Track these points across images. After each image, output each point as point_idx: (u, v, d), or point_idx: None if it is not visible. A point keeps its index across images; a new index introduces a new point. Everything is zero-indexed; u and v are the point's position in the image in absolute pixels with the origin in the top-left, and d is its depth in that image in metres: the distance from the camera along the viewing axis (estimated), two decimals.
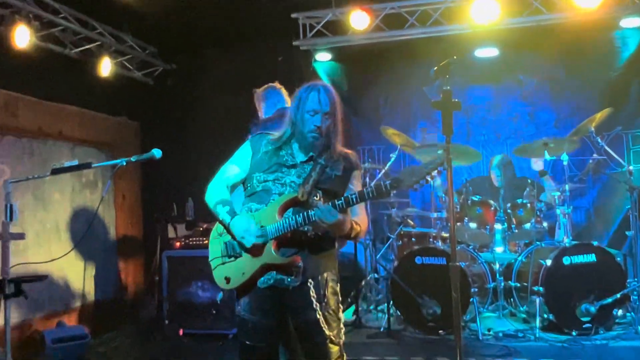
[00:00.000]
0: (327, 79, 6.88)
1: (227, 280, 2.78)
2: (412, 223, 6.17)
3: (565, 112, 6.55)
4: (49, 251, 5.55)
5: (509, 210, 5.35)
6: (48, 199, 5.74)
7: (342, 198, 2.59)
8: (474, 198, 5.45)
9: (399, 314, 5.23)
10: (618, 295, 4.73)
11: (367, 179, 5.93)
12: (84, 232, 5.73)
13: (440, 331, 4.97)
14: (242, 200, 2.88)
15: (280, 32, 6.49)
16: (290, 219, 2.64)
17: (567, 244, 4.95)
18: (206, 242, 3.14)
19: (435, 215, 5.58)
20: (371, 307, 5.98)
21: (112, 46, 6.39)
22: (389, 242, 6.23)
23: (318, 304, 2.70)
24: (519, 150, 5.43)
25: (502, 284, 5.31)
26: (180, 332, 5.48)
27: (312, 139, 2.73)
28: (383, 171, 5.72)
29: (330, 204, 2.58)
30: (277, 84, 4.18)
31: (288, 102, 4.11)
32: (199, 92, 7.05)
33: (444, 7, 6.12)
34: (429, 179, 2.54)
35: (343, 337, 2.80)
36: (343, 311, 2.86)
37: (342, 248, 6.29)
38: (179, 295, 5.57)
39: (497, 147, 6.64)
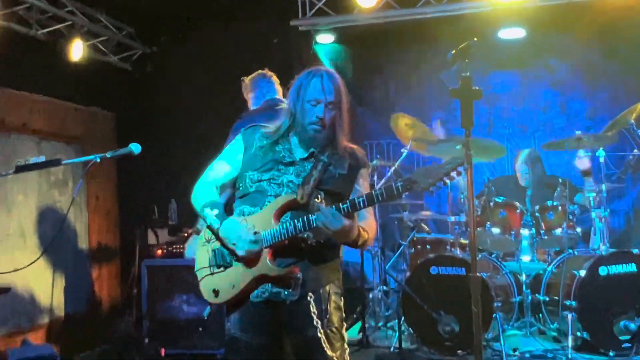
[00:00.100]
0: (329, 64, 6.88)
1: (216, 293, 2.78)
2: (426, 228, 6.17)
3: (601, 101, 6.55)
4: (12, 260, 5.55)
5: (537, 214, 5.35)
6: (11, 200, 5.74)
7: (348, 201, 2.59)
8: (497, 199, 5.45)
9: (412, 331, 5.23)
10: None
11: (375, 178, 5.94)
12: (52, 238, 5.74)
13: (458, 351, 4.96)
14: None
15: (276, 10, 6.50)
16: (287, 224, 2.63)
17: (603, 252, 4.94)
18: None
19: (452, 219, 5.57)
20: (380, 324, 5.98)
21: (84, 26, 6.38)
22: (400, 250, 6.23)
23: (319, 321, 2.71)
24: (548, 145, 5.42)
25: (529, 297, 5.31)
26: (162, 352, 5.48)
27: (314, 132, 2.73)
28: (393, 169, 5.71)
29: (334, 207, 2.58)
30: (267, 72, 4.18)
31: (280, 92, 4.11)
32: (183, 79, 7.04)
33: None
34: (447, 181, 2.54)
35: (348, 359, 2.81)
36: (347, 329, 2.87)
37: (346, 256, 6.30)
38: (161, 311, 5.57)
39: (524, 141, 6.65)
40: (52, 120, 6.27)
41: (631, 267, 4.88)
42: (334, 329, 2.75)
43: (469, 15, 6.24)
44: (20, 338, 5.44)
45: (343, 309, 2.85)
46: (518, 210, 5.40)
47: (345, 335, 2.84)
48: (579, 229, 5.34)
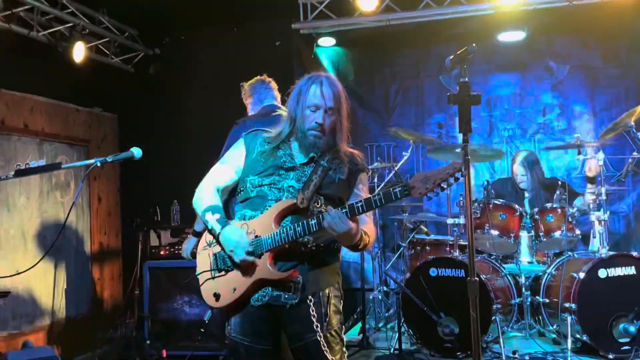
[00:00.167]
0: (330, 67, 6.91)
1: (216, 297, 2.80)
2: (426, 230, 6.17)
3: (601, 104, 6.55)
4: (14, 263, 5.58)
5: (536, 216, 5.35)
6: (12, 203, 5.76)
7: (347, 206, 2.60)
8: (497, 202, 5.45)
9: (412, 333, 5.24)
10: None
11: (376, 180, 5.95)
12: (54, 241, 5.74)
13: (458, 353, 4.96)
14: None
15: (278, 14, 6.50)
16: (288, 228, 2.65)
17: (603, 255, 4.94)
18: (193, 251, 3.16)
19: (452, 221, 5.58)
20: (380, 325, 5.98)
21: (86, 28, 6.37)
22: (399, 252, 6.23)
23: (319, 324, 2.72)
24: (548, 147, 5.42)
25: (529, 299, 5.31)
26: (164, 353, 5.49)
27: (314, 137, 2.74)
28: (394, 171, 5.73)
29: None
30: (265, 77, 4.17)
31: (278, 97, 4.12)
32: (185, 82, 7.06)
33: None
34: (445, 187, 2.55)
35: None
36: (346, 331, 2.88)
37: (345, 257, 6.32)
38: (163, 312, 5.58)
39: (524, 143, 6.64)
40: (53, 122, 6.29)
41: (631, 270, 4.86)
42: (333, 333, 2.77)
43: (470, 18, 6.25)
44: (21, 340, 5.42)
45: (342, 312, 2.87)
46: (517, 213, 5.40)
47: (344, 338, 2.85)
48: (578, 232, 5.34)
